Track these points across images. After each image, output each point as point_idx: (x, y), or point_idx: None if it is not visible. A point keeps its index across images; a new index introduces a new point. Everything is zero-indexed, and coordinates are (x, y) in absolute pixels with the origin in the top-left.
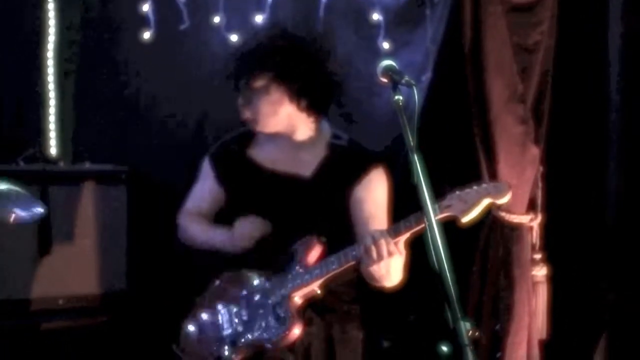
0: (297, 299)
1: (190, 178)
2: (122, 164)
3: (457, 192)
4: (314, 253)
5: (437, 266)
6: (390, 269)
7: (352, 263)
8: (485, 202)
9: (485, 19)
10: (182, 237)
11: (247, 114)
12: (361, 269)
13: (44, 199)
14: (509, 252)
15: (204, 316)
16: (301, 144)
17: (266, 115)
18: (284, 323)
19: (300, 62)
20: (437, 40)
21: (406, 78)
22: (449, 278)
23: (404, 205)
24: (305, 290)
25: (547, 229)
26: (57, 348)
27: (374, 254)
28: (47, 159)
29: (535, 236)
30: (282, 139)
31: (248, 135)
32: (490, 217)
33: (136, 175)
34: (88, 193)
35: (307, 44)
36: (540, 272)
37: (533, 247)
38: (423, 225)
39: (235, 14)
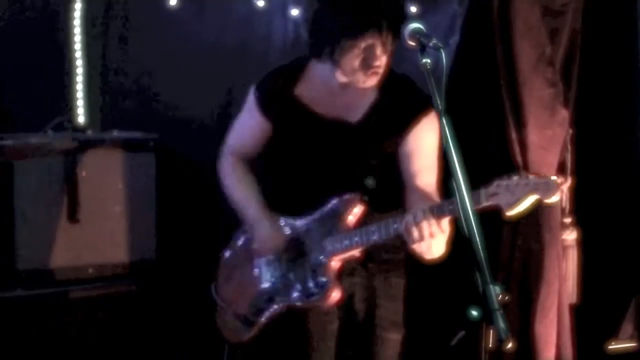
0: (335, 263)
1: (215, 148)
2: (150, 132)
3: (505, 182)
4: (355, 213)
5: (466, 230)
6: (432, 246)
7: (393, 236)
8: (533, 198)
9: None
10: (220, 176)
11: (375, 69)
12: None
13: (73, 167)
14: (538, 216)
15: (241, 260)
16: (352, 85)
17: (386, 67)
18: (322, 288)
19: (402, 13)
20: (465, 3)
21: (434, 41)
22: (478, 242)
23: None
24: (344, 255)
25: (577, 192)
26: (87, 317)
27: (416, 235)
28: (76, 127)
29: (565, 200)
30: (333, 79)
31: (295, 71)
32: None
33: (164, 143)
34: (116, 161)
35: None
36: (570, 236)
37: (563, 210)
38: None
39: None
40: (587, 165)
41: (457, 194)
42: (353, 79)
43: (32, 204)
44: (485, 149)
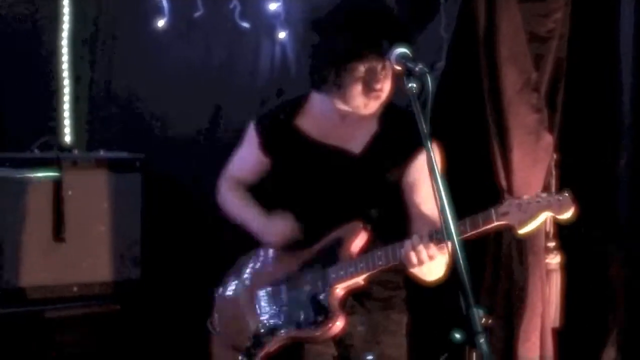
0: (340, 290)
1: (201, 168)
2: (136, 153)
3: (517, 201)
4: (359, 241)
5: (450, 253)
6: (432, 269)
7: (398, 261)
8: (545, 215)
9: (499, 7)
10: (219, 202)
11: (377, 93)
12: None
13: (58, 186)
14: (522, 240)
15: (240, 293)
16: (352, 116)
17: (387, 94)
18: (326, 317)
19: (405, 33)
20: (451, 28)
21: (420, 66)
22: (462, 265)
23: None
24: (349, 283)
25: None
26: (71, 336)
27: (414, 260)
28: (62, 147)
29: (549, 224)
30: (334, 110)
31: (295, 104)
32: None
33: (151, 163)
34: (102, 181)
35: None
36: (554, 260)
37: (547, 234)
38: (467, 235)
39: (250, 2)
40: (571, 189)
41: (441, 217)
42: (354, 104)
43: (18, 222)
44: (471, 173)
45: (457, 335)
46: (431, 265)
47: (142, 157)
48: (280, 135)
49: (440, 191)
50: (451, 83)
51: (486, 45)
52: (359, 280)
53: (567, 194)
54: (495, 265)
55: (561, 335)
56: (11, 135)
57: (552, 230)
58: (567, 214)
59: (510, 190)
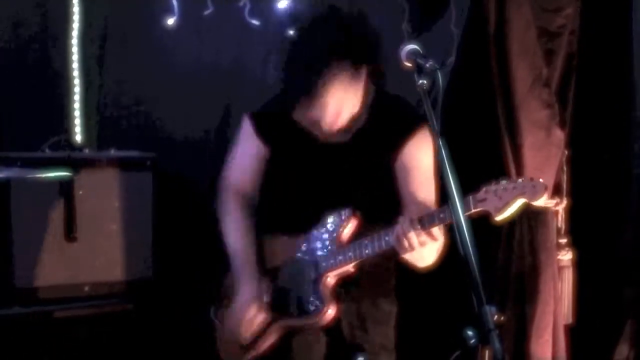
0: (330, 279)
1: (212, 166)
2: (147, 151)
3: (493, 187)
4: (349, 228)
5: (462, 250)
6: (424, 255)
7: (385, 249)
8: (520, 201)
9: (509, 3)
10: (217, 211)
11: (332, 109)
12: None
13: (70, 186)
14: (534, 236)
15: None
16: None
17: (354, 103)
18: (317, 305)
19: (370, 42)
20: (461, 24)
21: (430, 62)
22: (474, 262)
23: None
24: (339, 271)
25: (572, 213)
26: (83, 335)
27: (405, 244)
28: (73, 146)
29: (560, 220)
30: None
31: (292, 97)
32: None
33: (162, 162)
34: (113, 180)
35: (360, 16)
36: (566, 256)
37: (558, 231)
38: (448, 223)
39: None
40: (582, 186)
41: (453, 216)
42: (323, 121)
43: (29, 222)
44: (482, 170)
45: (470, 333)
46: (423, 251)
47: (153, 156)
48: (273, 124)
49: (451, 187)
50: (462, 79)
51: (497, 40)
52: (349, 268)
53: (540, 180)
54: (506, 262)
55: (573, 332)
56: (22, 135)
57: (563, 227)
58: (540, 200)
59: None
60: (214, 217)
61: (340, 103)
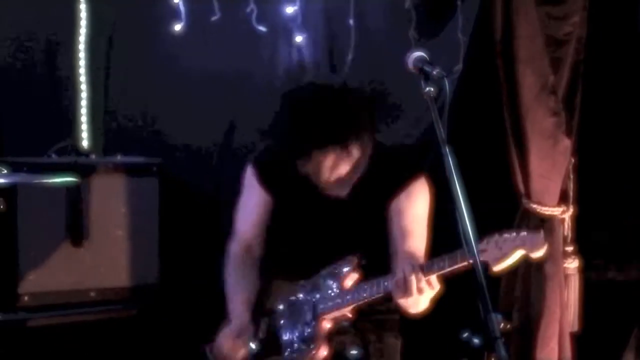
0: (326, 322)
1: (218, 172)
2: (153, 157)
3: (495, 238)
4: (354, 276)
5: (469, 257)
6: (419, 302)
7: (383, 294)
8: (519, 253)
9: (516, 11)
10: (225, 263)
11: (331, 178)
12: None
13: (76, 191)
14: None
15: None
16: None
17: (347, 166)
18: (309, 346)
19: (365, 116)
20: (468, 31)
21: (437, 69)
22: (480, 270)
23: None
24: (336, 314)
25: (579, 221)
26: (89, 341)
27: (403, 290)
28: (79, 152)
29: (567, 228)
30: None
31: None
32: (521, 210)
33: (168, 168)
34: (120, 185)
35: (355, 92)
36: (572, 264)
37: (565, 239)
38: (456, 267)
39: (266, 5)
40: (589, 194)
41: (459, 222)
42: (320, 182)
43: (35, 227)
44: (488, 178)
45: (476, 341)
46: (419, 298)
47: (159, 162)
48: (278, 172)
49: (458, 195)
50: (468, 87)
51: (504, 48)
52: (346, 312)
53: (541, 232)
54: (513, 270)
55: (579, 340)
56: (29, 140)
57: (570, 235)
58: (539, 253)
59: (528, 195)
60: (219, 222)
61: (334, 165)
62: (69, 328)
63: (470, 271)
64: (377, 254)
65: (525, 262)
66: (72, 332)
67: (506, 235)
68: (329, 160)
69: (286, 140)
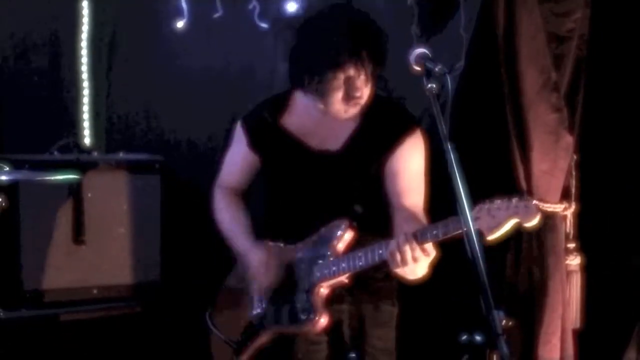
0: (324, 289)
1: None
2: (155, 154)
3: (487, 206)
4: (345, 239)
5: (470, 255)
6: (416, 270)
7: (378, 262)
8: (512, 222)
9: (519, 7)
10: (212, 209)
11: (357, 100)
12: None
13: (78, 188)
14: (542, 241)
15: (239, 287)
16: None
17: (368, 96)
18: (309, 314)
19: (383, 42)
20: (470, 28)
21: (439, 66)
22: (482, 267)
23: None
24: (332, 282)
25: (581, 218)
26: (91, 338)
27: (398, 260)
28: (81, 149)
29: (569, 225)
30: (316, 108)
31: (280, 102)
32: None
33: (170, 165)
34: (122, 182)
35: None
36: (574, 261)
37: (567, 236)
38: (450, 236)
39: (269, 2)
40: (591, 191)
41: (462, 220)
42: (334, 110)
43: (38, 224)
44: (490, 174)
45: (478, 337)
46: (415, 266)
47: (162, 159)
48: (266, 134)
49: (460, 192)
50: (470, 83)
51: (506, 45)
52: (343, 279)
53: (534, 202)
54: (515, 266)
55: (582, 337)
56: (31, 137)
57: (572, 232)
58: (533, 222)
59: (530, 191)
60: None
61: (349, 86)
62: (71, 325)
63: (470, 271)
64: (371, 209)
65: (527, 257)
66: (74, 329)
67: (498, 202)
68: (343, 79)
69: (302, 62)
